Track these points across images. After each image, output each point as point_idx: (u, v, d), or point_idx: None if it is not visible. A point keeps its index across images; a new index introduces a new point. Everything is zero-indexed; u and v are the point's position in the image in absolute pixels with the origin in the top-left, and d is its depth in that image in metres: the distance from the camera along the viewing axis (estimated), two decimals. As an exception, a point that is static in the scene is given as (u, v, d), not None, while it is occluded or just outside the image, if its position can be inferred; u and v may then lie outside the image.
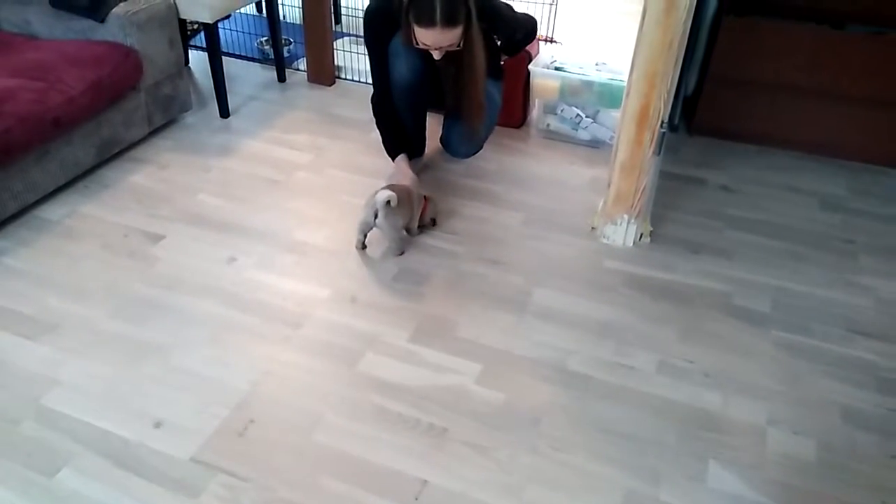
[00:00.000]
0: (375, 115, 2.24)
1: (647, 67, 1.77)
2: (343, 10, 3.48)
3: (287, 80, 2.97)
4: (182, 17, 2.46)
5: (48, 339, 1.67)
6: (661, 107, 1.82)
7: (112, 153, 2.33)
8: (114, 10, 2.25)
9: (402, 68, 2.07)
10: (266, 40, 3.10)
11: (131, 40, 2.28)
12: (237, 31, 3.27)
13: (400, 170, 2.11)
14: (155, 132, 2.53)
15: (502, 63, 2.40)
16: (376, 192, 1.90)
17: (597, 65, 2.50)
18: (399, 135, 2.21)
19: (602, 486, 1.39)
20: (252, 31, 3.27)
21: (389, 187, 1.93)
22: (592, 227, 2.11)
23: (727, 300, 1.87)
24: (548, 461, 1.43)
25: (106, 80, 2.16)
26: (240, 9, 2.64)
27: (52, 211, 2.11)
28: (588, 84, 2.43)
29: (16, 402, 1.51)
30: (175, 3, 2.41)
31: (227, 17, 2.95)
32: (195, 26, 3.11)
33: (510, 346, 1.70)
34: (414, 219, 2.02)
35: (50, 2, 2.30)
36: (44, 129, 1.99)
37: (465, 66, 2.03)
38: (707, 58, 2.44)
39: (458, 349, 1.69)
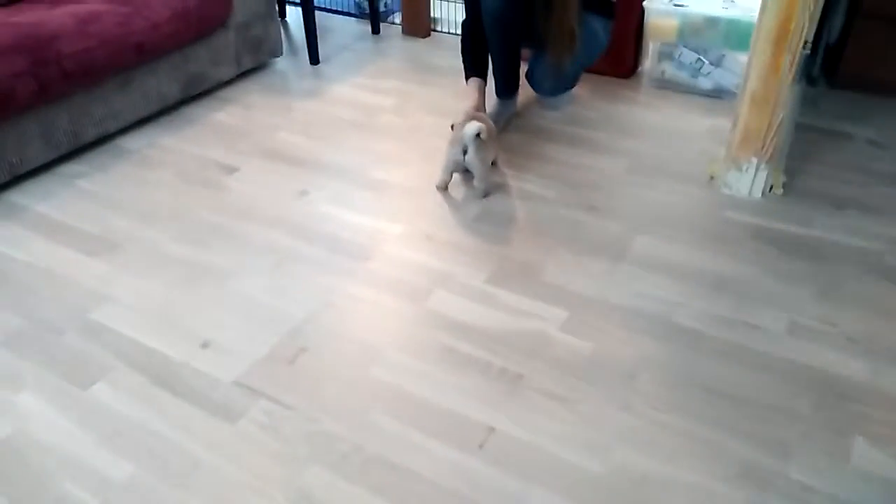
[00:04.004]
0: (462, 37, 2.09)
1: (790, -28, 1.48)
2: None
3: (381, 33, 2.84)
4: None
5: (108, 258, 1.59)
6: (805, 22, 1.51)
7: (199, 90, 2.27)
8: (206, -58, 2.19)
9: None
10: (363, -6, 2.99)
11: (222, -26, 2.21)
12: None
13: (467, 93, 2.03)
14: (244, 75, 2.45)
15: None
16: (462, 127, 1.70)
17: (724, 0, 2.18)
18: (477, 58, 2.06)
19: (712, 454, 1.12)
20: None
21: (474, 118, 1.74)
22: (711, 177, 1.82)
23: (878, 259, 1.53)
24: (643, 420, 1.18)
25: (193, 10, 2.09)
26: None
27: (133, 141, 2.06)
28: (713, 21, 2.12)
29: (63, 313, 1.42)
30: (269, -59, 2.33)
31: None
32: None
33: (604, 294, 1.46)
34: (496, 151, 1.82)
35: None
36: (126, 54, 1.93)
37: None
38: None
39: (542, 294, 1.46)
